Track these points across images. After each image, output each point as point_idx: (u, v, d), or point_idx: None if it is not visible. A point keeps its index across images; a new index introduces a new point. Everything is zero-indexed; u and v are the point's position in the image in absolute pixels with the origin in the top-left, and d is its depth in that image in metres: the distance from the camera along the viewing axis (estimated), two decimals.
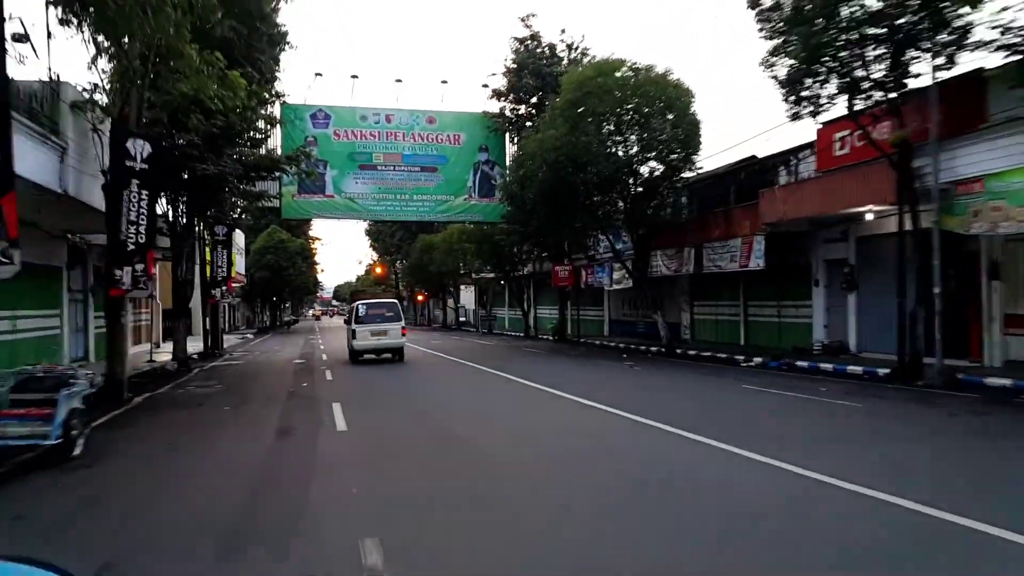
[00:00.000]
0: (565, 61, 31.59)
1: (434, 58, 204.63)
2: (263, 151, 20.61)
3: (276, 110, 30.35)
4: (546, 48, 31.62)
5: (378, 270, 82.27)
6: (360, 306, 22.73)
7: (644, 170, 22.52)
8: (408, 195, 32.32)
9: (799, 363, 17.22)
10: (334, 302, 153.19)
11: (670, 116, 20.44)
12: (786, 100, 15.11)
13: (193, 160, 17.91)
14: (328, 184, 31.52)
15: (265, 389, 14.73)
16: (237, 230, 43.97)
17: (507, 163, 33.21)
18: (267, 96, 19.15)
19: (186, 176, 18.25)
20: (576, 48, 31.83)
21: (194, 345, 27.71)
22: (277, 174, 23.32)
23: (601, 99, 20.47)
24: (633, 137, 21.26)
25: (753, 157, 23.93)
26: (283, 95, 24.90)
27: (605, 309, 34.21)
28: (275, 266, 50.26)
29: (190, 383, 16.13)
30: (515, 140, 31.44)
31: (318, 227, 71.08)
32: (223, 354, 26.66)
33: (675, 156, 21.39)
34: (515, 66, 31.42)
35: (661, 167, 21.88)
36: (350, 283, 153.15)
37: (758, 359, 18.70)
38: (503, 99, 31.94)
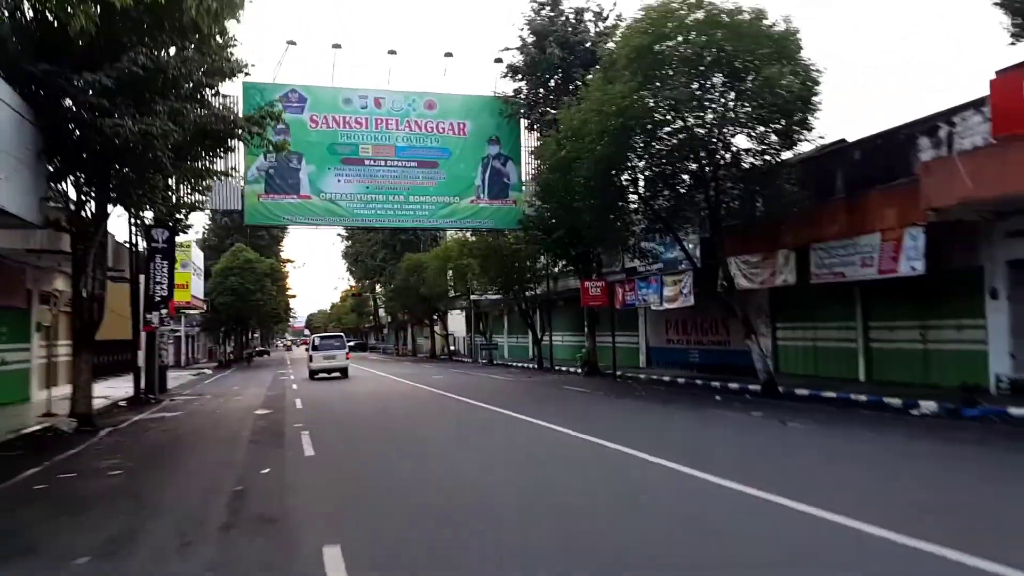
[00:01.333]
0: (593, 32, 25.93)
1: (435, 28, 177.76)
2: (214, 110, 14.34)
3: (235, 87, 24.34)
4: (570, 15, 25.94)
5: (356, 295, 75.68)
6: (316, 338, 32.03)
7: (740, 141, 16.70)
8: (403, 196, 26.25)
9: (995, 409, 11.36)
10: (306, 331, 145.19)
11: (784, 69, 14.69)
12: None
13: (103, 113, 11.74)
14: (303, 183, 25.34)
15: (196, 482, 8.38)
16: (194, 246, 37.43)
17: (523, 158, 27.39)
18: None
19: (98, 146, 12.08)
20: (605, 17, 26.23)
21: (122, 388, 21.10)
22: (232, 148, 17.08)
23: (687, 40, 14.68)
24: (732, 94, 15.45)
25: (843, 141, 18.45)
26: (244, 66, 18.95)
27: (641, 335, 28.21)
28: (240, 290, 43.56)
29: (72, 465, 9.70)
30: (535, 128, 25.58)
31: (291, 241, 64.26)
32: (162, 399, 20.07)
33: (785, 122, 15.61)
34: (533, 37, 25.68)
35: (762, 139, 16.05)
36: (324, 311, 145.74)
37: (931, 404, 12.87)
38: (519, 78, 26.15)
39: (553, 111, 24.18)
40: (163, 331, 21.58)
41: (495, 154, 27.01)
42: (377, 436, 11.38)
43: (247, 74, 18.85)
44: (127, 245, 19.82)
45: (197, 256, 40.76)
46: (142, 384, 19.92)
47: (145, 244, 19.99)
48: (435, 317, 52.79)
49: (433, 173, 26.44)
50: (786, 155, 16.91)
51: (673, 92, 14.75)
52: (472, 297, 40.55)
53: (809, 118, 15.44)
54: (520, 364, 35.91)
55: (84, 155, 12.53)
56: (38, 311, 18.49)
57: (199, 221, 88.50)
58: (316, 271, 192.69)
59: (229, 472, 8.52)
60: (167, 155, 12.67)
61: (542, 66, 24.88)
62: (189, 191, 20.46)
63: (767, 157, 16.52)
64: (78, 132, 12.18)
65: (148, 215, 20.12)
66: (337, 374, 27.87)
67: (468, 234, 33.48)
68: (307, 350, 33.13)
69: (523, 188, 27.38)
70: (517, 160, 27.22)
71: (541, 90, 25.25)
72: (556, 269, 31.21)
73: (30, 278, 18.20)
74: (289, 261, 58.26)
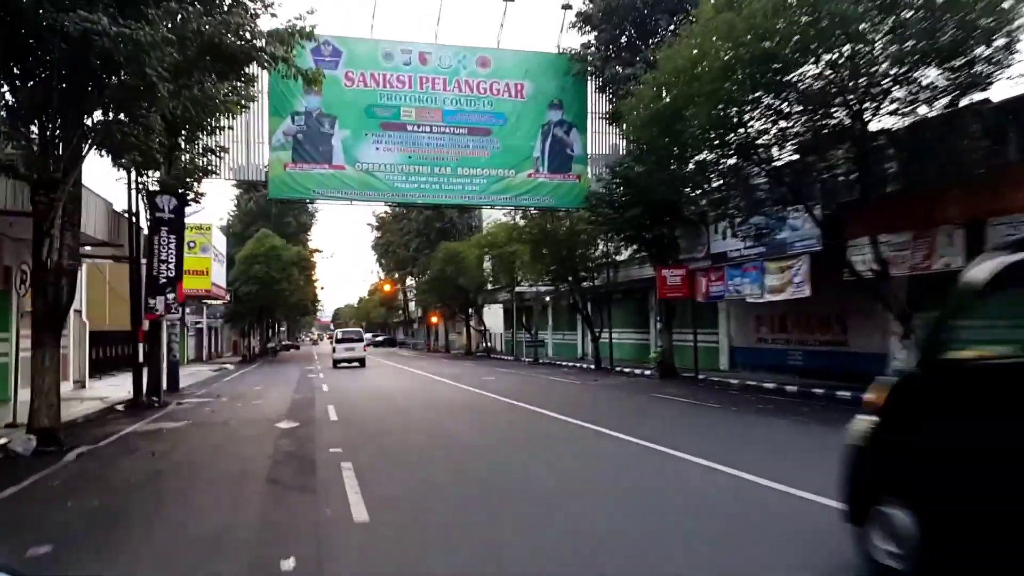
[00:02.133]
0: None
1: None
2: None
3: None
4: None
5: (387, 287, 72.48)
6: (338, 332, 38.38)
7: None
8: (450, 168, 22.63)
9: None
10: (331, 326, 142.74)
11: None
12: None
13: (61, 8, 8.27)
14: (336, 150, 21.83)
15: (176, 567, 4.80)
16: (215, 230, 34.27)
17: (589, 126, 23.60)
18: None
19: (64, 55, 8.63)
20: None
21: (126, 387, 17.81)
22: (252, 77, 13.55)
23: None
24: (908, 13, 11.52)
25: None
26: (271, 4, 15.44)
27: (722, 332, 24.27)
28: (266, 278, 40.37)
29: None
30: (607, 88, 21.72)
31: (319, 231, 60.85)
32: (168, 403, 16.70)
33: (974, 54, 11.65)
34: None
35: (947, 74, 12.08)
36: (351, 306, 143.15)
37: None
38: (589, 29, 22.30)
39: (631, 66, 20.35)
40: (172, 320, 18.22)
41: (557, 121, 23.25)
42: (457, 478, 7.71)
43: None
44: (125, 215, 16.44)
45: (219, 241, 37.62)
46: (144, 384, 16.54)
47: (148, 214, 16.60)
48: (470, 311, 49.28)
49: (485, 142, 22.77)
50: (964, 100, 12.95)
51: (838, 5, 10.85)
52: (517, 289, 36.85)
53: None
54: (569, 363, 32.17)
55: (44, 72, 9.05)
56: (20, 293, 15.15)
57: (222, 205, 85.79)
58: (344, 264, 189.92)
59: (223, 564, 4.91)
60: (162, 77, 9.11)
61: (619, 12, 20.97)
62: (199, 147, 17.08)
63: (943, 101, 12.55)
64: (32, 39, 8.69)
65: (153, 177, 16.75)
66: (356, 364, 32.09)
67: (518, 216, 29.80)
68: (331, 343, 37.93)
69: (588, 161, 23.61)
70: (582, 128, 23.43)
71: (611, 47, 21.31)
72: (619, 257, 27.39)
73: (8, 252, 14.90)
74: (317, 251, 55.04)
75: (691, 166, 14.70)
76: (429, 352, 61.14)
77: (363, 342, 34.70)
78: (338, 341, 34.19)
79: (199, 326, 42.68)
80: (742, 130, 13.23)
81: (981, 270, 3.79)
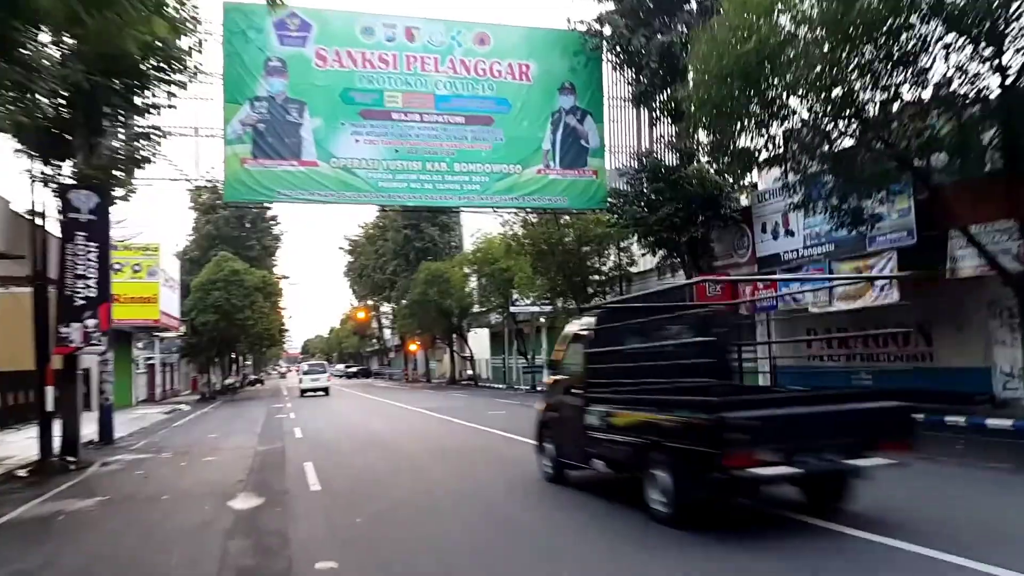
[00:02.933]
0: None
1: None
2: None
3: (212, 8, 17.31)
4: None
5: (360, 315, 68.17)
6: (304, 365, 47.13)
7: None
8: (445, 163, 18.94)
9: None
10: (305, 364, 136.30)
11: None
12: None
13: None
14: (306, 143, 18.02)
15: None
16: (163, 252, 29.99)
17: (606, 113, 20.20)
18: None
19: None
20: None
21: (22, 442, 13.63)
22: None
23: None
24: None
25: None
26: None
27: (761, 350, 20.73)
28: (226, 306, 35.99)
29: None
30: (631, 64, 18.29)
31: (287, 254, 55.69)
32: (90, 461, 12.58)
33: None
34: None
35: None
36: (322, 336, 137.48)
37: None
38: None
39: (665, 33, 16.98)
40: (93, 352, 14.04)
41: (569, 108, 19.77)
42: None
43: None
44: (27, 217, 12.43)
45: (171, 266, 33.33)
46: (55, 440, 12.39)
47: (61, 215, 12.60)
48: (453, 337, 45.33)
49: (486, 132, 19.17)
50: None
51: None
52: (512, 309, 33.12)
53: None
54: None
55: None
56: None
57: (177, 229, 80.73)
58: (314, 294, 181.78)
59: None
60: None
61: None
62: (129, 130, 13.28)
63: None
64: None
65: (65, 169, 12.80)
66: (322, 392, 35.63)
67: (516, 225, 26.20)
68: (299, 375, 42.77)
69: (605, 154, 20.17)
70: (598, 116, 19.96)
71: (637, 14, 17.94)
72: (635, 268, 23.94)
73: None
74: (284, 277, 50.64)
75: (776, 131, 11.22)
76: (408, 382, 56.82)
77: (326, 373, 39.93)
78: (305, 373, 39.42)
79: (151, 362, 38.06)
80: (862, 77, 9.82)
81: (570, 327, 9.26)
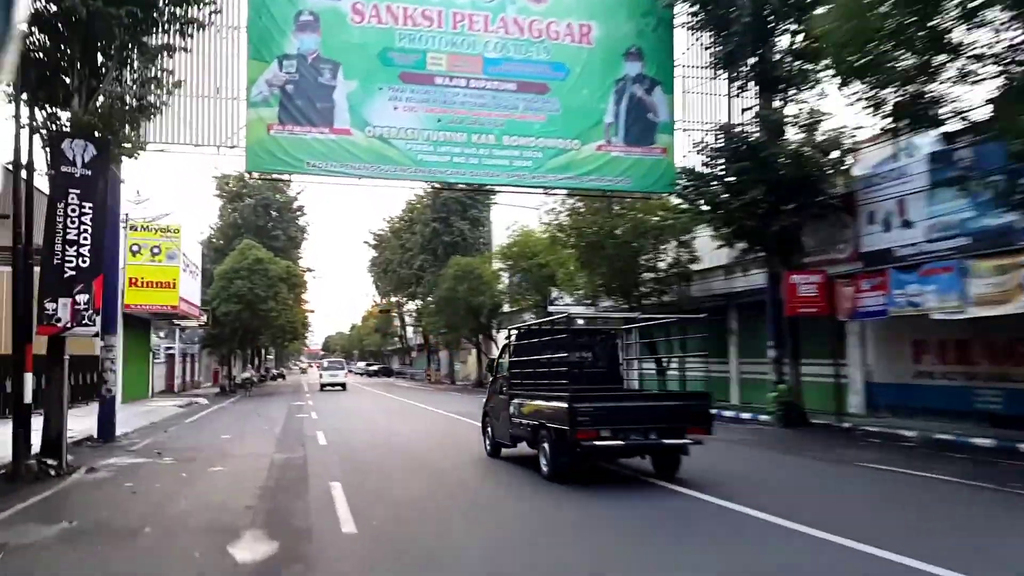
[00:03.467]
0: None
1: None
2: None
3: None
4: None
5: (383, 311, 66.28)
6: (324, 361, 51.30)
7: None
8: (493, 135, 16.70)
9: None
10: (327, 359, 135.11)
11: None
12: None
13: None
14: (339, 108, 15.89)
15: None
16: (184, 234, 28.13)
17: (677, 84, 17.83)
18: None
19: None
20: None
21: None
22: None
23: None
24: None
25: None
26: None
27: (854, 363, 18.09)
28: (249, 296, 34.12)
29: None
30: (707, 20, 15.85)
31: (311, 247, 53.18)
32: (75, 467, 10.51)
33: None
34: None
35: None
36: (343, 333, 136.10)
37: None
38: None
39: None
40: (101, 337, 11.95)
41: (635, 75, 17.41)
42: None
43: None
44: (9, 169, 10.37)
45: (192, 250, 31.49)
46: (34, 439, 10.32)
47: (50, 168, 10.55)
48: (479, 337, 43.05)
49: (540, 102, 16.89)
50: None
51: None
52: (552, 308, 30.75)
53: None
54: None
55: None
56: None
57: (202, 218, 79.72)
58: (335, 290, 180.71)
59: None
60: None
61: None
62: (134, 74, 11.25)
63: None
64: None
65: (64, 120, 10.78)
66: (340, 387, 38.09)
67: (561, 214, 23.80)
68: (319, 371, 44.59)
69: (675, 130, 17.80)
70: (668, 87, 17.60)
71: None
72: (697, 265, 21.50)
73: None
74: (308, 270, 48.80)
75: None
76: (431, 383, 54.73)
77: (344, 370, 42.59)
78: (324, 369, 42.08)
79: (170, 351, 36.34)
80: None
81: (507, 336, 13.02)
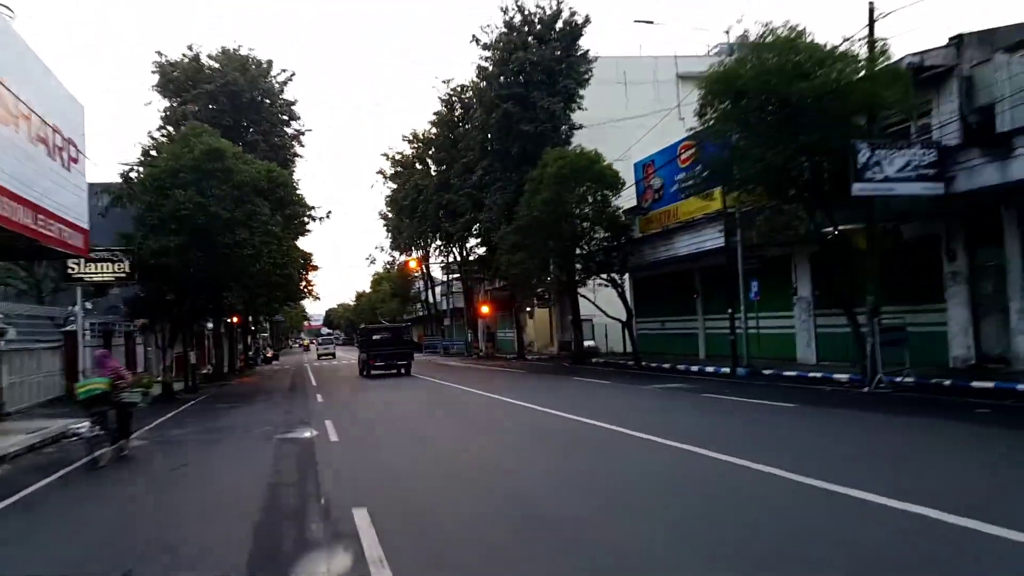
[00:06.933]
0: None
1: None
2: None
3: None
4: None
5: (412, 264, 50.63)
6: (319, 337, 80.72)
7: None
8: None
9: None
10: (324, 330, 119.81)
11: None
12: None
13: None
14: None
15: None
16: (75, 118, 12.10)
17: None
18: None
19: None
20: None
21: None
22: None
23: None
24: None
25: None
26: None
27: None
28: (199, 218, 18.26)
29: None
30: None
31: (308, 188, 34.68)
32: None
33: None
34: None
35: None
36: (347, 305, 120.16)
37: None
38: None
39: None
40: None
41: None
42: None
43: None
44: None
45: (68, 114, 15.36)
46: None
47: None
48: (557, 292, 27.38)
49: None
50: None
51: None
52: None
53: None
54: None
55: None
56: None
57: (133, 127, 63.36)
58: (336, 259, 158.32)
59: None
60: None
61: None
62: None
63: None
64: None
65: None
66: (330, 356, 53.96)
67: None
68: (316, 347, 63.53)
69: None
70: None
71: None
72: None
73: None
74: (310, 210, 31.71)
75: None
76: (481, 358, 39.28)
77: (334, 344, 66.75)
78: (319, 345, 63.94)
79: (68, 328, 20.65)
80: None
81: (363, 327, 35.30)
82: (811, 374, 16.46)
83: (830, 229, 14.85)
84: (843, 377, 15.09)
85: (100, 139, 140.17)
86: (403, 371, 25.02)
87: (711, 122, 14.84)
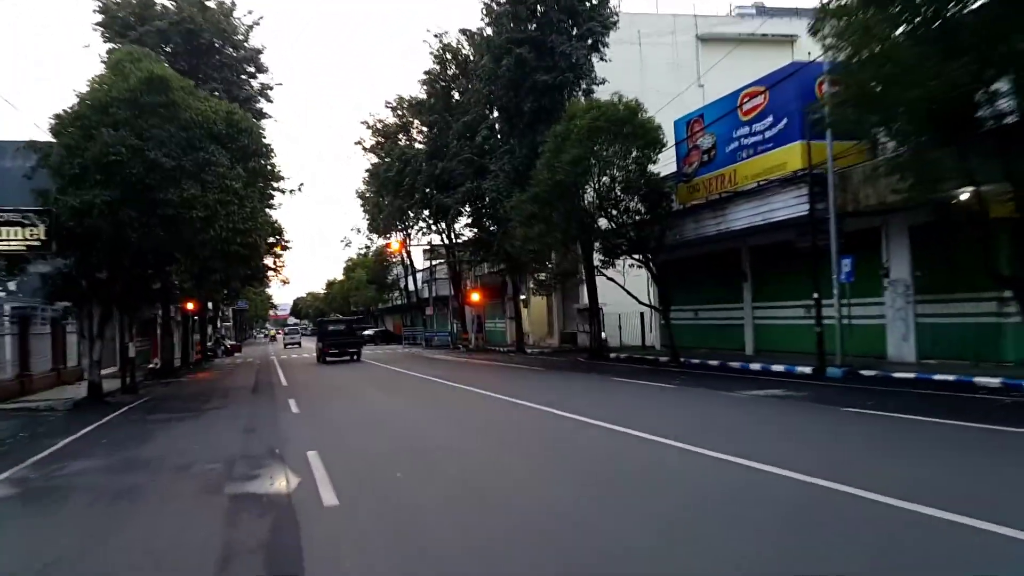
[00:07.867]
0: None
1: None
2: None
3: None
4: None
5: (394, 245, 46.05)
6: (286, 328, 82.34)
7: None
8: None
9: None
10: (291, 320, 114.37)
11: None
12: None
13: None
14: None
15: None
16: None
17: None
18: None
19: None
20: None
21: None
22: None
23: None
24: None
25: None
26: None
27: None
28: (136, 169, 13.58)
29: None
30: None
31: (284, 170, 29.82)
32: None
33: None
34: None
35: None
36: (315, 294, 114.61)
37: None
38: None
39: None
40: None
41: None
42: None
43: None
44: None
45: None
46: None
47: None
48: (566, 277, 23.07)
49: None
50: None
51: None
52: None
53: None
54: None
55: None
56: None
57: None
58: (305, 248, 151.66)
59: None
60: None
61: None
62: None
63: None
64: None
65: None
66: (296, 345, 56.67)
67: None
68: (283, 338, 65.75)
69: None
70: None
71: None
72: None
73: None
74: (277, 170, 26.71)
75: None
76: (469, 351, 35.00)
77: (300, 335, 65.58)
78: (286, 335, 67.21)
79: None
80: None
81: (322, 320, 40.61)
82: (936, 376, 12.63)
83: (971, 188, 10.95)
84: (993, 382, 11.27)
85: (33, 89, 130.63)
86: (355, 357, 30.49)
87: (842, 34, 10.71)
